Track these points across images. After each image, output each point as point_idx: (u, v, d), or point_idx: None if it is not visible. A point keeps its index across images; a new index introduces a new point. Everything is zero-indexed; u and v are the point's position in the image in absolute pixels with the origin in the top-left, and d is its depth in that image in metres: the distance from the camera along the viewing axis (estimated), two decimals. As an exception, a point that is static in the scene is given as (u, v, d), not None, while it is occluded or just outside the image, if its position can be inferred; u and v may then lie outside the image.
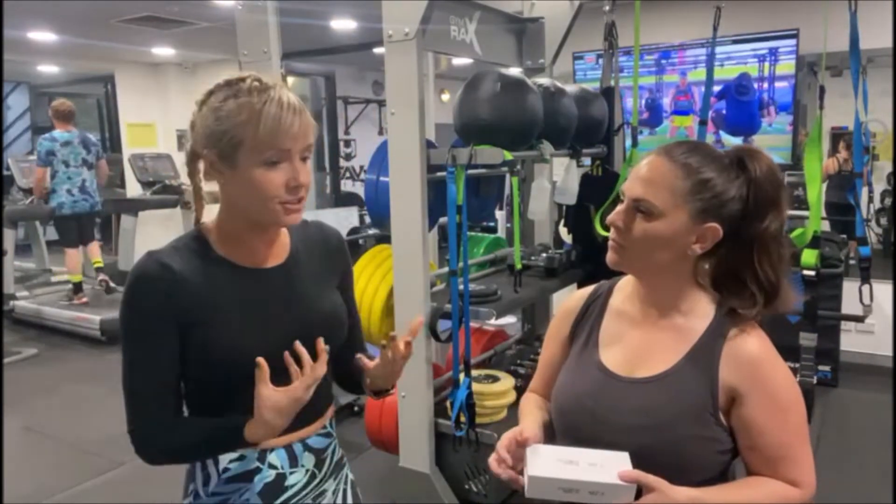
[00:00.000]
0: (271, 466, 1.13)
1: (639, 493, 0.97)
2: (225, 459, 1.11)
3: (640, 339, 1.14)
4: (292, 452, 1.15)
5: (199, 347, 1.06)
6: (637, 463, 0.99)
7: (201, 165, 1.10)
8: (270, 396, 1.00)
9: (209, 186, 1.13)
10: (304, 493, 1.17)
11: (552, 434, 1.19)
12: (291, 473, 1.14)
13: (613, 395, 1.10)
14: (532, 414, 1.22)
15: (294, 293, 1.15)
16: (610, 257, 1.12)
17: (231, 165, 1.04)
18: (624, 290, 1.21)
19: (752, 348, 1.06)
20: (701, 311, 1.11)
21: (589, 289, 1.28)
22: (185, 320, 1.05)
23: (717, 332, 1.08)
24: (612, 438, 1.06)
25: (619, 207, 1.10)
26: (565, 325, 1.25)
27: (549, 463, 1.00)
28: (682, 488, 1.00)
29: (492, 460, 1.06)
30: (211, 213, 1.16)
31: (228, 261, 1.11)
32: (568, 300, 1.30)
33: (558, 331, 1.27)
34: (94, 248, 5.90)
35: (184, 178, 5.93)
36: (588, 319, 1.22)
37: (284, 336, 1.09)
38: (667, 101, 4.90)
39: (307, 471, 1.17)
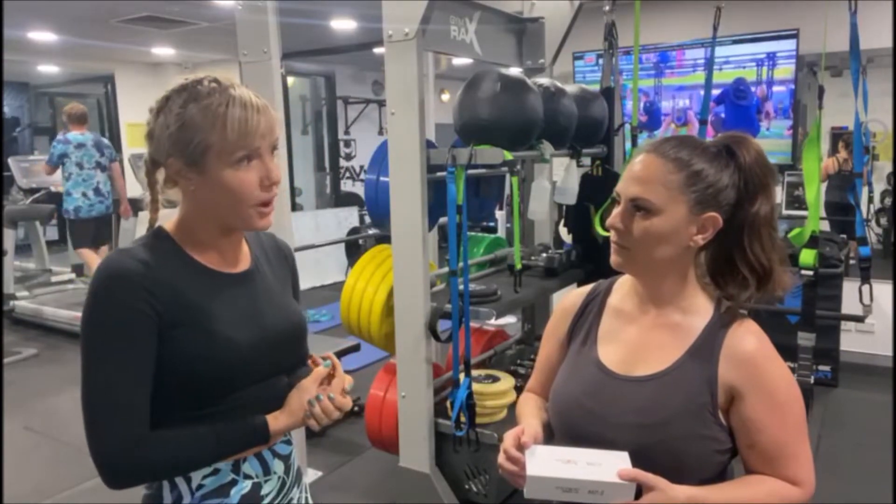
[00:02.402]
0: (246, 477, 1.10)
1: (638, 493, 0.97)
2: (198, 476, 1.06)
3: (639, 337, 1.13)
4: (264, 460, 1.13)
5: (178, 351, 1.01)
6: (635, 462, 0.99)
7: (160, 175, 1.07)
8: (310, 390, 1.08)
9: (171, 195, 1.09)
10: (276, 501, 1.15)
11: (551, 434, 1.18)
12: (266, 482, 1.12)
13: (612, 394, 1.10)
14: (531, 414, 1.22)
15: (265, 300, 1.13)
16: (614, 259, 1.12)
17: (199, 171, 1.02)
18: (623, 287, 1.21)
19: (751, 346, 1.06)
20: (700, 308, 1.11)
21: (587, 287, 1.27)
22: (165, 321, 1.00)
23: (717, 330, 1.08)
24: (611, 437, 1.06)
25: (617, 209, 1.10)
26: (563, 324, 1.25)
27: (547, 462, 1.00)
28: (682, 487, 1.00)
29: (501, 459, 1.06)
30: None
31: (199, 262, 1.08)
32: (566, 299, 1.28)
33: (556, 329, 1.26)
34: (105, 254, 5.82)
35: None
36: (587, 318, 1.21)
37: (261, 343, 1.08)
38: (666, 105, 4.91)
39: (279, 478, 1.15)
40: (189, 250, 1.08)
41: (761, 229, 1.07)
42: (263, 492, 1.12)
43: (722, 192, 1.06)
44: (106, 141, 5.87)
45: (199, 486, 1.07)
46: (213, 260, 1.09)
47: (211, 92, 1.01)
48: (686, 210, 1.05)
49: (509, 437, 1.07)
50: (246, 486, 1.10)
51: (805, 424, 1.08)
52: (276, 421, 1.07)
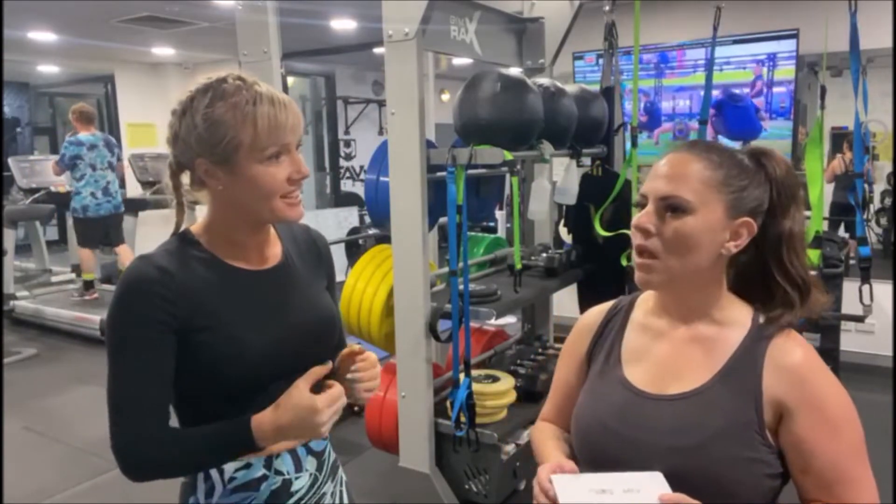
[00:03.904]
0: (277, 472, 1.11)
1: None
2: (230, 469, 1.08)
3: (669, 354, 1.05)
4: (297, 457, 1.14)
5: (202, 354, 1.02)
6: (671, 489, 0.92)
7: (184, 178, 1.07)
8: (303, 393, 1.01)
9: (199, 197, 1.09)
10: (307, 497, 1.16)
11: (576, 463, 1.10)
12: (297, 478, 1.13)
13: (641, 415, 1.02)
14: (555, 447, 1.13)
15: (293, 295, 1.14)
16: (640, 278, 1.02)
17: (229, 169, 1.02)
18: (647, 303, 1.12)
19: (797, 359, 0.98)
20: (735, 319, 1.03)
21: (608, 304, 1.18)
22: (187, 326, 1.01)
23: (757, 342, 0.99)
24: (642, 462, 0.97)
25: (644, 211, 1.00)
26: (582, 344, 1.16)
27: (580, 493, 0.92)
28: None
29: (537, 493, 0.97)
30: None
31: (225, 263, 1.08)
32: (585, 317, 1.19)
33: (574, 349, 1.17)
34: (126, 252, 5.78)
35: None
36: (608, 336, 1.13)
37: (288, 339, 1.08)
38: (666, 105, 4.91)
39: (310, 474, 1.16)
40: (216, 251, 1.08)
41: (797, 242, 1.01)
42: (294, 488, 1.13)
43: (756, 199, 1.00)
44: (113, 140, 5.90)
45: (231, 479, 1.09)
46: (241, 259, 1.10)
47: (237, 89, 1.01)
48: (722, 211, 0.98)
49: (542, 473, 0.99)
50: (276, 481, 1.11)
51: (863, 444, 0.99)
52: (261, 419, 1.02)
